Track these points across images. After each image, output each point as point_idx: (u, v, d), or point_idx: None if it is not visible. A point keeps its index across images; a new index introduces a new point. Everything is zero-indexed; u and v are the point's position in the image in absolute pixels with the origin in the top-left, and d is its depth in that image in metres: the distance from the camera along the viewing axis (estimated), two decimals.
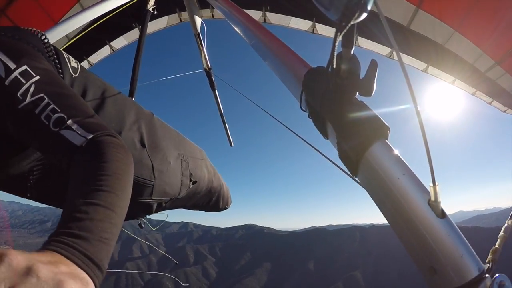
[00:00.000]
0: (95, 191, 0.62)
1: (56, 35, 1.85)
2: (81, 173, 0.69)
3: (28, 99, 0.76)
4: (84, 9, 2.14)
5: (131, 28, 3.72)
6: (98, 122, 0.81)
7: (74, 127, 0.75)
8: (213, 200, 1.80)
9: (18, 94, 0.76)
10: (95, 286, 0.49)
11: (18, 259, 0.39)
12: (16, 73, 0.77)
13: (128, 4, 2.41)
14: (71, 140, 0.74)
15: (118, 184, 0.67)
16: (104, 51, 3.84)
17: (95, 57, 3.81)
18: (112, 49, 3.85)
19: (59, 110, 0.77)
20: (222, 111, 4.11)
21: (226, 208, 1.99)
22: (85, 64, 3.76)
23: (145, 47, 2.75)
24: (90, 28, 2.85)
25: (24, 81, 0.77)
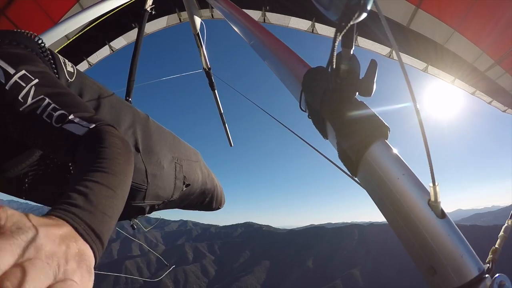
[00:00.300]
0: (97, 172, 0.63)
1: (55, 36, 1.85)
2: (84, 158, 0.71)
3: (29, 101, 0.78)
4: (83, 9, 2.13)
5: (131, 28, 3.72)
6: (98, 116, 0.84)
7: (76, 120, 0.78)
8: (206, 201, 1.83)
9: (19, 97, 0.78)
10: (95, 259, 0.49)
11: (37, 241, 0.37)
12: (15, 77, 0.80)
13: (127, 4, 2.41)
14: (74, 132, 0.76)
15: (119, 168, 0.69)
16: (104, 51, 3.83)
17: (95, 57, 3.81)
18: (112, 49, 3.84)
19: (60, 108, 0.79)
20: (222, 111, 4.11)
21: (219, 208, 2.03)
22: (84, 64, 3.76)
23: (145, 47, 2.74)
24: (89, 27, 2.84)
25: (24, 85, 0.80)
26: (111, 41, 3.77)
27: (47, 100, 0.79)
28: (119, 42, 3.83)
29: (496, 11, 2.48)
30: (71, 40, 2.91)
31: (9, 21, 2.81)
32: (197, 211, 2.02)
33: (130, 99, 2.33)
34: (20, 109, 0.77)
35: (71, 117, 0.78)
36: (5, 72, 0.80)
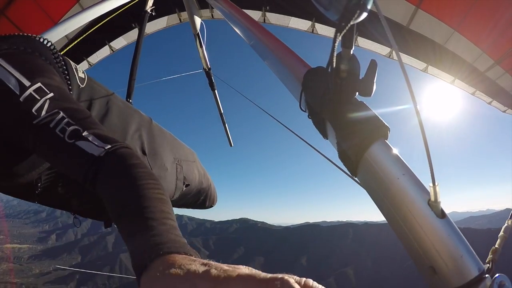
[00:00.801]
0: (154, 199, 0.61)
1: (55, 36, 1.85)
2: (118, 182, 0.68)
3: (43, 114, 0.77)
4: (83, 9, 2.13)
5: (131, 28, 3.72)
6: (111, 136, 0.82)
7: (90, 138, 0.75)
8: (201, 200, 1.89)
9: (33, 110, 0.77)
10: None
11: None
12: (30, 90, 0.79)
13: (128, 6, 2.41)
14: (88, 151, 0.73)
15: (161, 187, 0.68)
16: (104, 51, 3.83)
17: (95, 58, 3.81)
18: (112, 49, 3.84)
19: (73, 123, 0.77)
20: (222, 111, 4.11)
21: (212, 206, 2.09)
22: (84, 64, 3.76)
23: (145, 47, 2.75)
24: (91, 30, 2.84)
25: (38, 98, 0.79)
26: (111, 41, 3.77)
27: (61, 114, 0.78)
28: (119, 42, 3.83)
29: (496, 11, 2.47)
30: (75, 43, 2.91)
31: (9, 21, 2.80)
32: None
33: (130, 100, 2.35)
34: (34, 122, 0.76)
35: (85, 134, 0.76)
36: (20, 83, 0.79)
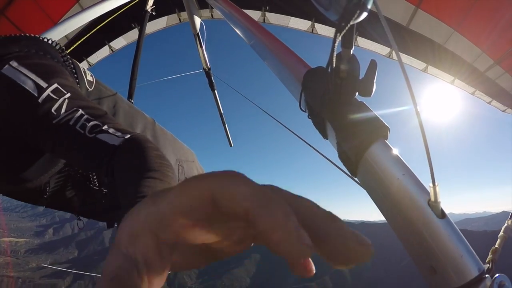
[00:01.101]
0: (159, 175, 0.65)
1: (55, 36, 1.85)
2: (131, 165, 0.70)
3: (63, 113, 0.79)
4: (83, 9, 2.13)
5: (131, 28, 3.72)
6: (129, 128, 0.84)
7: (111, 130, 0.78)
8: None
9: (53, 110, 0.79)
10: None
11: None
12: (48, 91, 0.81)
13: (128, 6, 2.41)
14: (109, 142, 0.76)
15: (169, 170, 0.71)
16: (104, 52, 3.83)
17: (95, 58, 3.80)
18: (112, 50, 3.84)
19: (93, 119, 0.79)
20: (222, 112, 4.11)
21: None
22: (84, 64, 3.76)
23: (145, 47, 2.76)
24: (92, 31, 2.84)
25: (56, 98, 0.81)
26: (111, 41, 3.77)
27: (80, 111, 0.80)
28: (119, 42, 3.82)
29: (496, 12, 2.48)
30: (76, 44, 2.91)
31: (9, 22, 2.80)
32: None
33: (132, 101, 2.36)
34: (54, 122, 0.78)
35: (105, 127, 0.78)
36: (38, 85, 0.81)
